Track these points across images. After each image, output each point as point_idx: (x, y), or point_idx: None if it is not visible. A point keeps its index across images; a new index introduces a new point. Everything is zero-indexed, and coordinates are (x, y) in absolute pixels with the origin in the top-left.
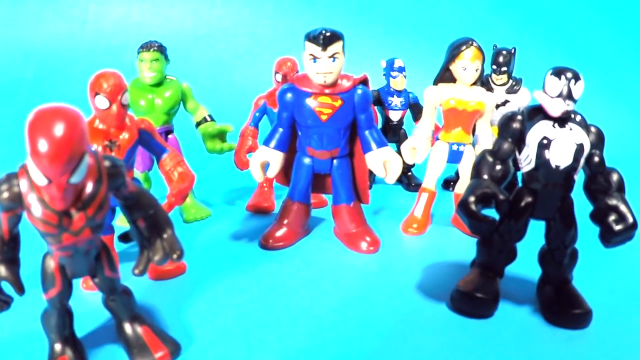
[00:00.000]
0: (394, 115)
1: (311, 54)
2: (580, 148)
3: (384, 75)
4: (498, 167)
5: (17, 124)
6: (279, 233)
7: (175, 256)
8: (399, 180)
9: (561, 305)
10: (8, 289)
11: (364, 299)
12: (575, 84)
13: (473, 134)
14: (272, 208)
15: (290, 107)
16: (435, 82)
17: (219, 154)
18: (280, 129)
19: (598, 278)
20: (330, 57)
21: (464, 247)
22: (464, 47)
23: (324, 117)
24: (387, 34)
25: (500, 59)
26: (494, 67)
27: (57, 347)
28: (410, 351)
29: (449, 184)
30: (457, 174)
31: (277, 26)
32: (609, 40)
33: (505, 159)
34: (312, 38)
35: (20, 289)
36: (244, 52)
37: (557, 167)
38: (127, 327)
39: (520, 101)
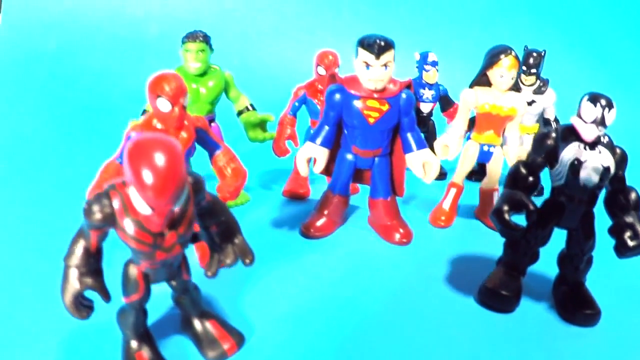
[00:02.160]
0: (425, 107)
1: (365, 61)
2: (606, 170)
3: (416, 67)
4: (530, 179)
5: (41, 95)
6: (320, 222)
7: (247, 260)
8: None
9: (574, 304)
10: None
11: (398, 290)
12: (609, 112)
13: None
14: (308, 194)
15: (338, 107)
16: (472, 85)
17: (260, 143)
18: (327, 127)
19: (609, 281)
20: (382, 65)
21: (487, 241)
22: (503, 56)
23: (371, 120)
24: (422, 23)
25: (531, 60)
26: (524, 68)
27: (134, 343)
28: (439, 340)
29: (471, 174)
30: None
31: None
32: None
33: (536, 173)
34: (367, 46)
35: (107, 296)
36: (269, 29)
37: (585, 185)
38: (196, 323)
39: (546, 101)
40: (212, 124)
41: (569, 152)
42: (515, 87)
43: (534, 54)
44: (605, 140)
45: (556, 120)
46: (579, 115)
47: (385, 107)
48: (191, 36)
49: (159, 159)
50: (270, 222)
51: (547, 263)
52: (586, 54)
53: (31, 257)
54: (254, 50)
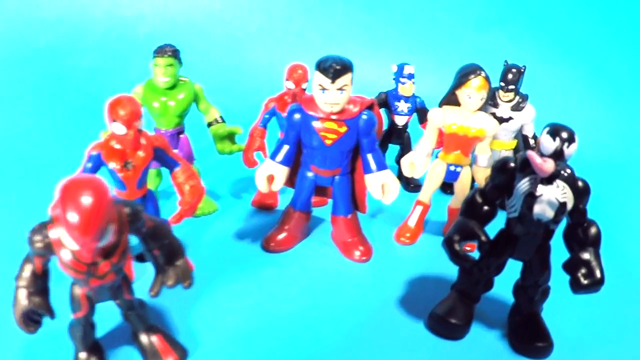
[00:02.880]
0: (400, 120)
1: (320, 85)
2: (562, 206)
3: (393, 79)
4: (485, 208)
5: (30, 94)
6: (280, 237)
7: (186, 284)
8: (399, 178)
9: (526, 336)
10: None
11: (352, 310)
12: (568, 147)
13: (472, 154)
14: (276, 205)
15: (297, 127)
16: (441, 104)
17: (228, 155)
18: (287, 146)
19: (568, 311)
20: (338, 89)
21: (449, 261)
22: (472, 77)
23: (328, 142)
24: (400, 30)
25: (510, 76)
26: (502, 84)
27: (83, 355)
28: None
29: (446, 187)
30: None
31: (292, 3)
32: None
33: (492, 202)
34: (322, 69)
35: (51, 314)
36: (258, 30)
37: (539, 220)
38: (143, 336)
39: (524, 118)
40: (181, 136)
41: (524, 185)
42: (493, 102)
43: (513, 70)
44: (566, 173)
45: (535, 137)
46: (538, 148)
47: (343, 129)
48: (160, 51)
49: (85, 200)
50: (234, 234)
51: (505, 288)
52: (568, 68)
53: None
54: (243, 51)
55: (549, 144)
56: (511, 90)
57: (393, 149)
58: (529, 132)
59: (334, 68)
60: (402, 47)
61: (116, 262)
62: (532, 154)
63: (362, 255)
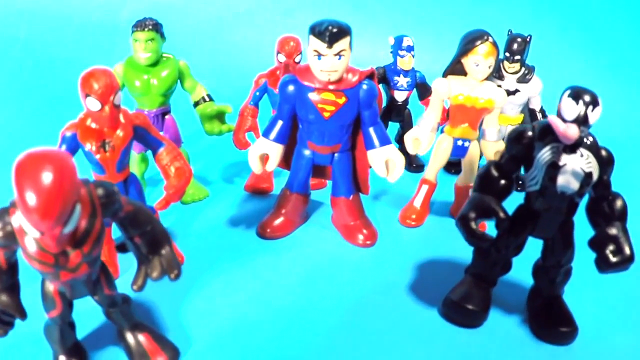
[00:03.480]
0: (399, 96)
1: (315, 50)
2: (588, 176)
3: (391, 52)
4: (502, 182)
5: (10, 85)
6: (277, 222)
7: (172, 275)
8: None
9: (549, 320)
10: None
11: (358, 299)
12: (592, 110)
13: (480, 128)
14: (271, 189)
15: (292, 100)
16: (445, 74)
17: (217, 136)
18: (280, 121)
19: (590, 294)
20: (336, 54)
21: (460, 243)
22: (479, 42)
23: (326, 114)
24: (397, 6)
25: (515, 46)
26: (507, 54)
27: (62, 358)
28: (398, 357)
29: (450, 166)
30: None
31: None
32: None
33: (509, 175)
34: (318, 33)
35: (22, 314)
36: (244, 10)
37: (563, 192)
38: (129, 336)
39: (531, 91)
40: (167, 117)
41: (546, 155)
42: (498, 75)
43: (518, 39)
44: (588, 141)
45: (542, 111)
46: (559, 113)
47: (342, 100)
48: (139, 24)
49: (44, 177)
50: (227, 220)
51: (522, 269)
52: (576, 38)
53: None
54: (227, 32)
55: (572, 108)
56: (517, 61)
57: (393, 127)
58: (536, 105)
59: (331, 31)
60: (397, 21)
61: (88, 251)
62: (554, 119)
63: (366, 239)
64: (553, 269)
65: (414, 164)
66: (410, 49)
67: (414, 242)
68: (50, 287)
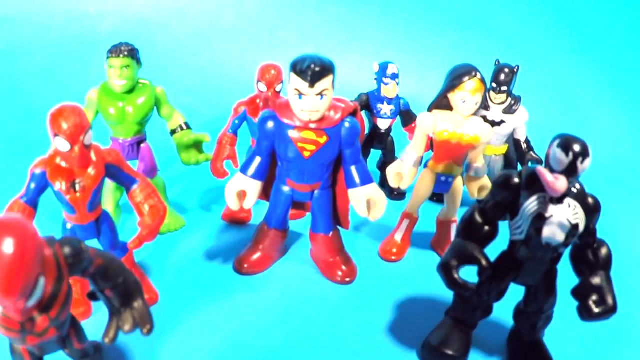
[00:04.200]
0: (382, 124)
1: (296, 89)
2: (574, 228)
3: (375, 79)
4: (486, 228)
5: None
6: (254, 258)
7: (145, 330)
8: (382, 186)
9: None
10: None
11: (336, 341)
12: (582, 162)
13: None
14: (249, 219)
15: (271, 137)
16: (430, 109)
17: (195, 166)
18: (259, 158)
19: (570, 334)
20: (318, 94)
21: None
22: (467, 78)
23: (306, 154)
24: (380, 25)
25: (502, 77)
26: (494, 85)
27: None
28: None
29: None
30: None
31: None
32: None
33: (494, 222)
34: (299, 72)
35: None
36: (227, 27)
37: (548, 244)
38: None
39: (517, 121)
40: (142, 145)
41: (532, 206)
42: (484, 105)
43: (506, 70)
44: (575, 189)
45: (527, 141)
46: (547, 162)
47: (323, 140)
48: (114, 50)
49: (3, 253)
50: (204, 253)
51: (503, 309)
52: (561, 65)
53: None
54: (209, 48)
55: (562, 159)
56: (503, 92)
57: (375, 154)
58: (521, 136)
59: (313, 70)
60: (382, 43)
61: (56, 316)
62: (542, 171)
63: (345, 277)
64: (534, 315)
65: (396, 192)
66: (394, 76)
67: (395, 277)
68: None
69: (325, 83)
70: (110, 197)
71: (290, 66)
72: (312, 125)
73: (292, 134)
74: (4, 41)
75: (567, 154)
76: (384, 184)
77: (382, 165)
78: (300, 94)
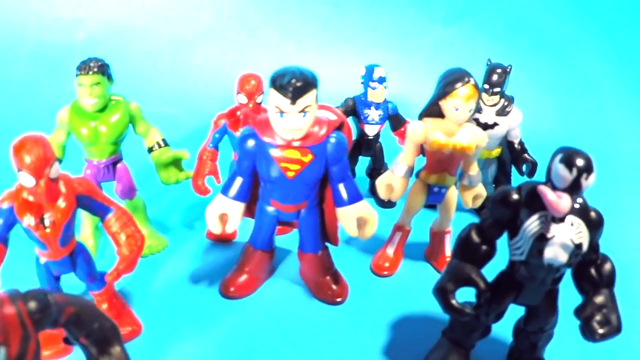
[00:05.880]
0: (370, 130)
1: (277, 107)
2: (577, 247)
3: (361, 83)
4: (483, 248)
5: None
6: (240, 280)
7: None
8: (372, 193)
9: None
10: None
11: None
12: (587, 178)
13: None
14: (235, 236)
15: (252, 157)
16: (421, 117)
17: (175, 185)
18: (240, 178)
19: (570, 351)
20: (300, 111)
21: None
22: (459, 85)
23: (290, 174)
24: (364, 25)
25: (494, 77)
26: (486, 86)
27: None
28: None
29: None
30: None
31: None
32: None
33: (492, 241)
34: (279, 87)
35: None
36: (206, 29)
37: (550, 265)
38: None
39: (510, 123)
40: (118, 166)
41: (533, 226)
42: (476, 107)
43: (498, 70)
44: (578, 204)
45: (521, 143)
46: (548, 177)
47: (308, 158)
48: (83, 67)
49: None
50: (188, 277)
51: (503, 326)
52: (547, 63)
53: None
54: (188, 52)
55: (565, 176)
56: (496, 93)
57: (364, 160)
58: (515, 137)
59: (294, 86)
60: (367, 42)
61: None
62: (544, 190)
63: (336, 297)
64: (535, 335)
65: (387, 200)
66: (382, 80)
67: (388, 293)
68: None
69: (308, 99)
70: (88, 220)
71: (270, 80)
72: (296, 144)
73: (274, 152)
74: None
75: (570, 171)
76: (373, 191)
77: (372, 172)
78: (282, 112)
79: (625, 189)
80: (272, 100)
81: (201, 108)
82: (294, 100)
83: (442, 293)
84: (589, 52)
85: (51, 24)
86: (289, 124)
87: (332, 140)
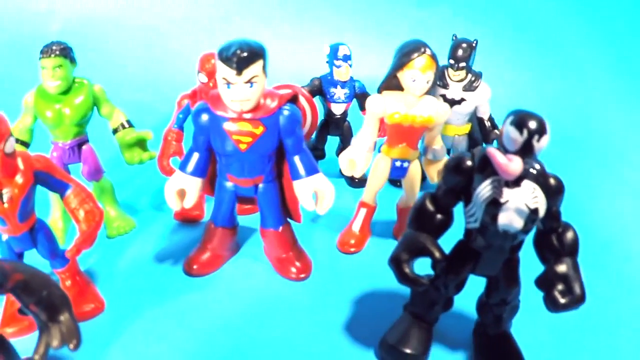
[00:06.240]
0: (337, 109)
1: (224, 78)
2: (533, 212)
3: (327, 62)
4: (438, 217)
5: None
6: (203, 258)
7: (71, 346)
8: (341, 174)
9: (497, 357)
10: None
11: (290, 343)
12: (539, 140)
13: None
14: (202, 216)
15: (206, 131)
16: (380, 90)
17: (140, 165)
18: (197, 154)
19: (538, 323)
20: (247, 82)
21: None
22: (415, 55)
23: (243, 146)
24: (334, 4)
25: (460, 52)
26: (452, 61)
27: None
28: None
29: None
30: None
31: None
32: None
33: (447, 209)
34: (225, 59)
35: None
36: (181, 17)
37: (505, 231)
38: None
39: (478, 99)
40: (84, 147)
41: (485, 191)
42: (442, 83)
43: (464, 45)
44: (534, 170)
45: (491, 119)
46: (500, 141)
47: (259, 130)
48: (45, 50)
49: None
50: (154, 256)
51: (467, 300)
52: (521, 41)
53: None
54: (163, 40)
55: (515, 138)
56: (462, 68)
57: (333, 140)
58: (484, 114)
59: (239, 56)
60: (342, 27)
61: None
62: (493, 152)
63: (299, 273)
64: (498, 307)
65: (357, 179)
66: (347, 58)
67: (353, 270)
68: None
69: (254, 69)
70: (57, 203)
71: (217, 54)
72: (247, 116)
73: (227, 126)
74: None
75: (521, 132)
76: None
77: (341, 152)
78: (229, 83)
79: (604, 167)
80: (220, 72)
81: (176, 95)
82: (239, 70)
83: (396, 263)
84: (569, 31)
85: (26, 16)
86: (237, 94)
87: (285, 112)
